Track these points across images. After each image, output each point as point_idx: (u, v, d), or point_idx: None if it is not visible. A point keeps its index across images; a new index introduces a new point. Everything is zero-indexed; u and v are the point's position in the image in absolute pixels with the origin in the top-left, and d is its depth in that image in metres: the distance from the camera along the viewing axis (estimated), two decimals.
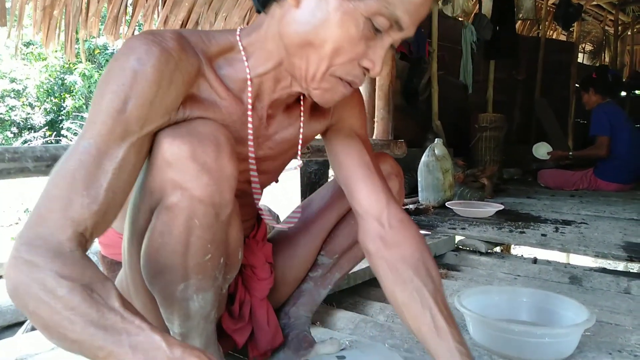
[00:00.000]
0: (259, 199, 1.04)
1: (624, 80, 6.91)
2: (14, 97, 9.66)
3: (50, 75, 10.05)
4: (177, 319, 0.75)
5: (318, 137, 0.96)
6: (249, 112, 0.76)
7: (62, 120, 10.02)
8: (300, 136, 0.85)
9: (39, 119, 9.82)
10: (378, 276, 0.85)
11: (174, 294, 0.72)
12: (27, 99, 9.90)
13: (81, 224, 0.58)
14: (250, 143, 0.78)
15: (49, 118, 9.97)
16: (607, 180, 3.63)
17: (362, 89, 2.72)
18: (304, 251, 1.05)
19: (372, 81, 2.87)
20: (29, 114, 9.83)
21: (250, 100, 0.75)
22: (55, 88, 10.10)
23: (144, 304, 0.80)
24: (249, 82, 0.74)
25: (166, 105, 0.65)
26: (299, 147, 0.86)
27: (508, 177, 4.36)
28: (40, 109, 9.93)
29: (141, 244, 0.71)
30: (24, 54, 9.83)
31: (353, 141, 0.91)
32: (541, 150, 4.11)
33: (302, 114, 0.85)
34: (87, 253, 0.60)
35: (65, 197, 0.58)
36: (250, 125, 0.77)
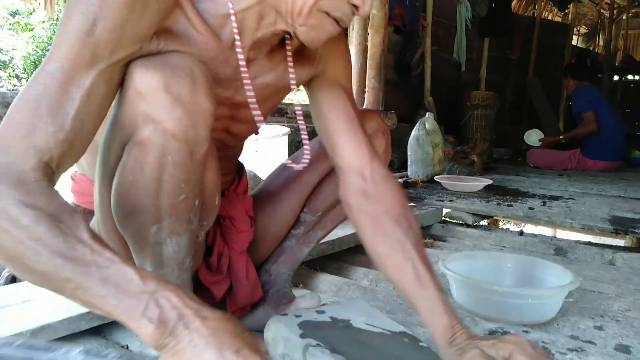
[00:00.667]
0: (240, 149, 1.01)
1: (616, 64, 6.93)
2: (0, 69, 9.43)
3: (37, 46, 9.79)
4: (150, 265, 0.72)
5: (307, 102, 0.93)
6: (238, 49, 0.72)
7: None
8: (292, 76, 0.81)
9: None
10: (358, 229, 0.83)
11: (146, 237, 0.69)
12: (13, 71, 9.66)
13: (46, 153, 0.55)
14: (247, 81, 0.74)
15: None
16: (595, 158, 3.65)
17: (353, 58, 2.68)
18: (287, 207, 1.03)
19: (364, 51, 2.82)
20: (15, 85, 9.61)
21: (237, 37, 0.71)
22: (43, 60, 9.86)
23: (117, 249, 0.77)
24: (232, 18, 0.70)
25: (138, 32, 0.61)
26: (292, 85, 0.82)
27: (498, 157, 4.36)
28: (27, 80, 9.71)
29: (112, 184, 0.67)
30: (10, 24, 9.56)
31: (337, 93, 0.88)
32: (533, 137, 4.13)
33: (289, 58, 0.81)
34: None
35: (29, 124, 0.54)
36: (242, 63, 0.73)
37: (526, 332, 1.00)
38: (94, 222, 0.83)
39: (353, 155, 0.84)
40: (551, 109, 5.46)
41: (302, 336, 0.76)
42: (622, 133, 3.73)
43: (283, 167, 1.10)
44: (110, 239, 0.76)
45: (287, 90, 0.87)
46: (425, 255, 0.76)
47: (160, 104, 0.60)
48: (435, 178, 2.65)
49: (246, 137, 0.93)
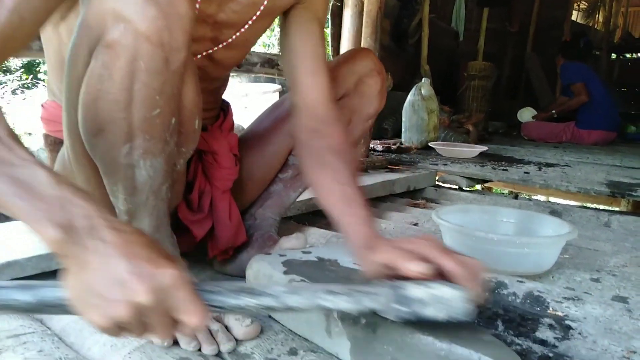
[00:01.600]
0: (225, 83, 0.94)
1: (614, 42, 6.83)
2: None
3: None
4: (122, 191, 0.66)
5: None
6: None
7: (39, 64, 9.53)
8: None
9: (14, 61, 9.33)
10: (301, 162, 0.80)
11: (117, 158, 0.63)
12: None
13: None
14: None
15: (25, 61, 9.48)
16: (589, 129, 3.62)
17: (349, 21, 2.59)
18: (274, 150, 0.97)
19: (360, 13, 2.72)
20: None
21: None
22: None
23: (87, 177, 0.71)
24: None
25: None
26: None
27: (493, 130, 4.31)
28: None
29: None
30: None
31: (313, 28, 0.83)
32: (525, 115, 4.08)
33: None
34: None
35: None
36: None
37: (521, 282, 0.97)
38: (63, 149, 0.77)
39: (312, 97, 0.80)
40: (548, 84, 5.39)
41: (285, 273, 0.71)
42: (614, 102, 3.71)
43: (272, 108, 1.04)
44: (80, 164, 0.70)
45: (273, 13, 0.80)
46: (359, 185, 0.73)
47: (132, 0, 0.54)
48: (429, 144, 2.60)
49: (231, 66, 0.86)
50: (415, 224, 1.47)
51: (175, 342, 0.66)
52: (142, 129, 0.61)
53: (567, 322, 0.80)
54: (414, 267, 0.54)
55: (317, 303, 0.51)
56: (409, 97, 2.72)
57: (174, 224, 0.80)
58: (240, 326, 0.68)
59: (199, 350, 0.65)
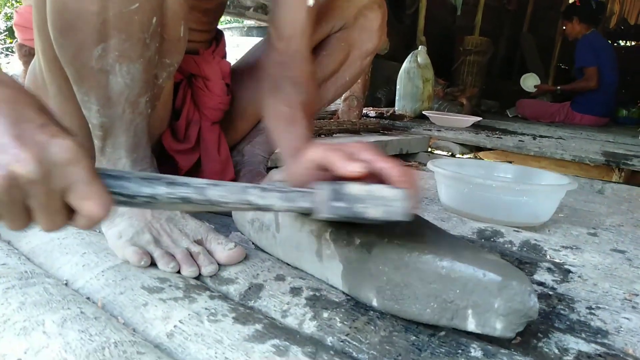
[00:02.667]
0: (220, 9, 0.88)
1: (610, 27, 6.80)
2: None
3: None
4: (95, 102, 0.60)
5: None
6: None
7: None
8: None
9: None
10: (259, 90, 0.76)
11: (88, 62, 0.56)
12: None
13: None
14: None
15: (9, 24, 9.14)
16: (583, 113, 3.58)
17: None
18: None
19: None
20: None
21: None
22: None
23: (59, 87, 0.65)
24: None
25: None
26: None
27: (485, 109, 4.27)
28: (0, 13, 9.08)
29: None
30: None
31: None
32: (529, 81, 4.01)
33: None
34: None
35: None
36: None
37: (517, 231, 0.93)
38: (34, 60, 0.70)
39: (288, 33, 0.75)
40: (542, 66, 5.35)
41: None
42: (616, 89, 3.65)
43: (265, 41, 0.98)
44: (51, 71, 0.64)
45: None
46: (310, 119, 0.69)
47: None
48: (423, 112, 2.55)
49: None
50: None
51: (154, 264, 0.61)
52: (117, 27, 0.54)
53: (566, 267, 0.77)
54: (349, 167, 0.49)
55: (244, 198, 0.46)
56: (405, 64, 2.66)
57: (157, 153, 0.75)
58: (223, 250, 0.63)
59: (179, 272, 0.61)
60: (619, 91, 3.86)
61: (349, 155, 0.50)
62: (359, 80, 2.11)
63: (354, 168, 0.49)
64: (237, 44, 1.84)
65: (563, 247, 0.87)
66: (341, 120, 1.99)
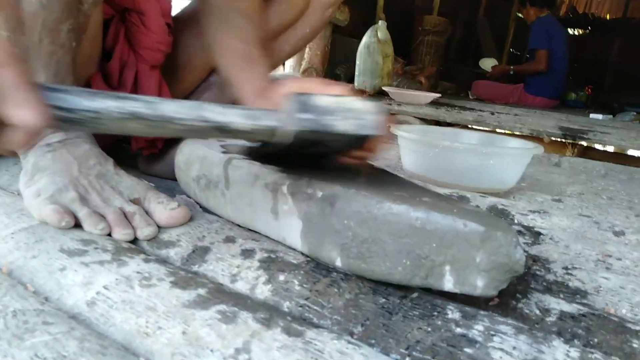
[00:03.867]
0: None
1: (560, 14, 7.00)
2: None
3: None
4: (3, 24, 0.49)
5: None
6: None
7: None
8: None
9: None
10: (202, 23, 0.68)
11: None
12: None
13: None
14: None
15: None
16: (535, 94, 3.65)
17: None
18: None
19: None
20: None
21: None
22: None
23: None
24: None
25: None
26: None
27: (442, 90, 4.29)
28: None
29: None
30: None
31: None
32: (487, 63, 4.06)
33: None
34: None
35: None
36: None
37: (483, 196, 0.89)
38: None
39: None
40: (496, 51, 5.44)
41: (225, 152, 0.58)
42: (566, 73, 3.74)
43: None
44: None
45: None
46: (268, 54, 0.62)
47: None
48: (383, 88, 2.50)
49: None
50: None
51: (80, 227, 0.52)
52: None
53: (536, 229, 0.73)
54: (328, 92, 0.45)
55: (201, 114, 0.40)
56: (365, 39, 2.59)
57: None
58: (163, 209, 0.54)
59: (109, 235, 0.52)
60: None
61: (325, 84, 0.48)
62: (319, 52, 2.03)
63: (332, 92, 0.45)
64: None
65: (530, 211, 0.83)
66: None
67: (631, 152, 2.33)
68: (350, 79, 2.95)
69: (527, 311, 0.47)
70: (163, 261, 0.48)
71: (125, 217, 0.53)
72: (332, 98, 0.44)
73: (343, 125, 0.43)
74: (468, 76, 4.64)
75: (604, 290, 0.53)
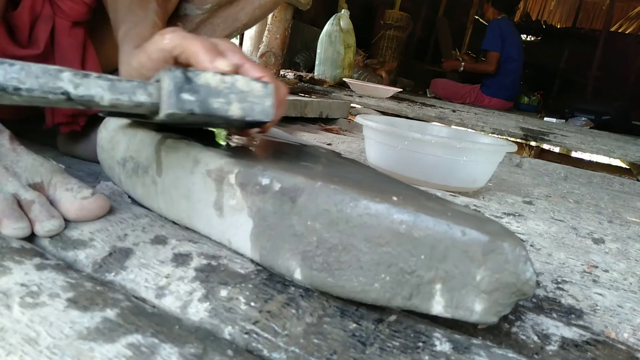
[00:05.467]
0: None
1: (514, 20, 7.20)
2: None
3: None
4: None
5: None
6: None
7: None
8: None
9: None
10: None
11: None
12: None
13: None
14: None
15: None
16: (491, 96, 3.70)
17: None
18: None
19: None
20: None
21: None
22: None
23: None
24: None
25: None
26: None
27: (401, 87, 4.27)
28: None
29: None
30: None
31: None
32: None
33: None
34: None
35: None
36: None
37: (454, 196, 0.82)
38: None
39: None
40: (454, 50, 5.50)
41: (158, 131, 0.47)
42: (520, 76, 3.82)
43: None
44: None
45: None
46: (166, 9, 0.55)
47: None
48: (344, 79, 2.42)
49: None
50: (329, 145, 1.28)
51: None
52: None
53: (515, 234, 0.66)
54: (217, 63, 0.38)
55: (52, 84, 0.31)
56: (327, 27, 2.50)
57: None
58: (72, 198, 0.42)
59: None
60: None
61: (214, 47, 0.39)
62: (278, 36, 1.91)
63: (222, 65, 0.37)
64: None
65: (505, 214, 0.76)
66: None
67: (574, 154, 2.37)
68: (310, 69, 2.85)
69: (524, 337, 0.38)
70: (66, 267, 0.37)
71: (20, 206, 0.40)
72: (221, 76, 0.36)
73: (233, 110, 0.37)
74: (426, 74, 4.66)
75: (601, 309, 0.46)
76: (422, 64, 5.27)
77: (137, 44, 0.43)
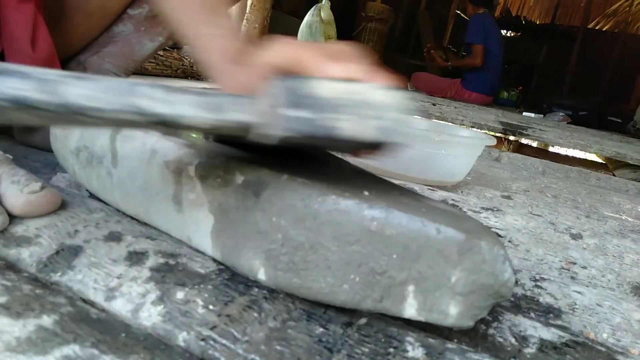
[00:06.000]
0: None
1: (495, 15, 7.25)
2: None
3: None
4: None
5: None
6: None
7: None
8: None
9: None
10: None
11: None
12: None
13: None
14: None
15: None
16: (472, 90, 3.71)
17: None
18: None
19: None
20: None
21: None
22: None
23: None
24: None
25: None
26: None
27: None
28: None
29: None
30: None
31: None
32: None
33: None
34: None
35: None
36: None
37: (432, 190, 0.80)
38: None
39: None
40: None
41: None
42: (501, 71, 3.84)
43: None
44: None
45: None
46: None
47: None
48: None
49: None
50: None
51: None
52: None
53: (493, 230, 0.65)
54: (332, 69, 0.30)
55: (130, 102, 0.24)
56: (307, 18, 2.46)
57: None
58: (18, 192, 0.39)
59: None
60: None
61: (330, 55, 0.32)
62: (257, 25, 1.87)
63: (338, 72, 0.30)
64: None
65: (483, 208, 0.75)
66: None
67: (552, 148, 2.40)
68: None
69: (501, 339, 0.37)
70: (6, 268, 0.33)
71: None
72: (339, 84, 0.29)
73: (352, 128, 0.28)
74: (407, 68, 4.65)
75: (580, 308, 0.45)
76: (403, 57, 5.26)
77: (233, 57, 0.37)
